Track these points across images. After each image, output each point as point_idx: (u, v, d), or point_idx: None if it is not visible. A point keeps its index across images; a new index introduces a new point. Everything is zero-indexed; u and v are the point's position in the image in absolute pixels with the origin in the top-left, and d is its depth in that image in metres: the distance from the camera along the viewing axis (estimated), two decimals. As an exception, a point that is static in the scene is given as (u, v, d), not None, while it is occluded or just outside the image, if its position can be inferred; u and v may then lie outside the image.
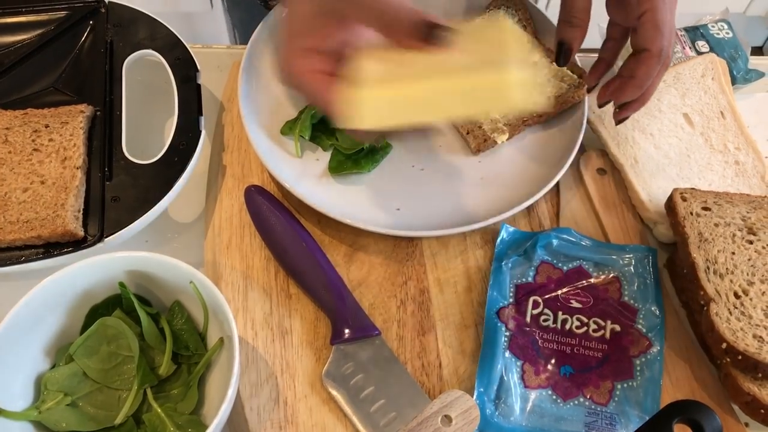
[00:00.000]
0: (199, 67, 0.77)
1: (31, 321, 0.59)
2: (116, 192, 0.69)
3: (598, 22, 0.92)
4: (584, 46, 1.00)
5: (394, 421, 0.62)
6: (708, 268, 0.66)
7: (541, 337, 0.67)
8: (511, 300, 0.68)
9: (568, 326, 0.67)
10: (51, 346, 0.62)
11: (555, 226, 0.75)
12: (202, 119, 0.74)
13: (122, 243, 0.68)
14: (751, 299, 0.64)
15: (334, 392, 0.63)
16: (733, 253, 0.66)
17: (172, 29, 0.79)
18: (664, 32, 0.64)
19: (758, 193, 0.75)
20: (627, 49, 0.86)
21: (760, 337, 0.61)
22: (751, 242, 0.67)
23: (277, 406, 0.63)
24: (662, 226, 0.73)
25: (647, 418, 0.61)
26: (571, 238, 0.72)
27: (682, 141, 0.78)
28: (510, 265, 0.70)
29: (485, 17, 0.85)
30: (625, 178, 0.76)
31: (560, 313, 0.68)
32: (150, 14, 0.81)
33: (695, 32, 0.88)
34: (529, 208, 0.76)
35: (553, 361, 0.65)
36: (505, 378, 0.64)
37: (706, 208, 0.69)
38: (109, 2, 0.81)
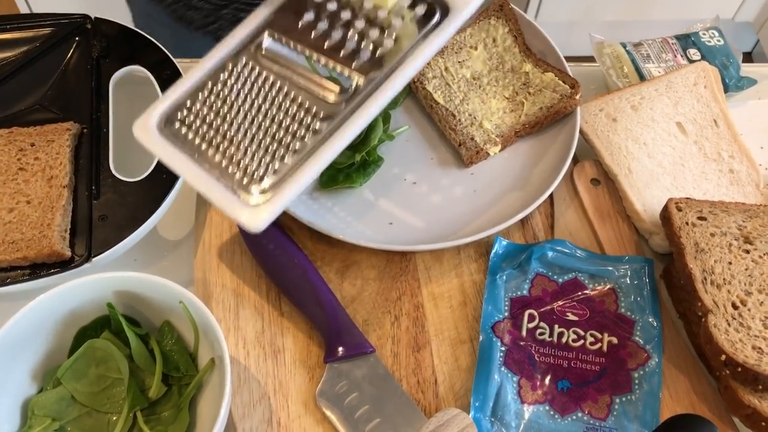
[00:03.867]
0: (187, 83, 0.76)
1: (17, 344, 0.58)
2: (104, 210, 0.68)
3: (589, 30, 0.92)
4: (575, 53, 1.00)
5: (390, 440, 0.61)
6: (705, 278, 0.65)
7: (538, 352, 0.66)
8: (506, 314, 0.68)
9: (564, 340, 0.66)
10: (38, 370, 0.60)
11: (549, 238, 0.74)
12: (191, 135, 0.73)
13: (110, 262, 0.67)
14: (749, 310, 0.63)
15: (328, 412, 0.62)
16: (730, 263, 0.66)
17: (159, 44, 0.79)
18: None
19: (753, 202, 0.75)
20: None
21: (760, 348, 0.61)
22: (747, 251, 0.67)
23: (271, 427, 0.62)
24: (658, 237, 0.73)
25: (647, 433, 0.60)
26: (565, 250, 0.71)
27: (675, 150, 0.78)
28: (505, 278, 0.69)
29: (476, 27, 0.84)
30: (620, 188, 0.76)
31: (556, 326, 0.67)
32: (137, 30, 0.80)
33: (686, 40, 0.88)
34: (523, 221, 0.75)
35: (549, 375, 0.65)
36: (502, 394, 0.63)
37: (701, 218, 0.69)
38: (95, 18, 0.80)
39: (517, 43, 0.83)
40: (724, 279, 0.65)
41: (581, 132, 0.78)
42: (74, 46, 0.79)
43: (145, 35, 0.79)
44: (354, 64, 0.59)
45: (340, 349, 0.64)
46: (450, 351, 0.67)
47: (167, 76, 0.76)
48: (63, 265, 0.65)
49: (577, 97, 0.77)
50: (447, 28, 0.59)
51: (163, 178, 0.69)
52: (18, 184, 0.68)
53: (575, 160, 0.79)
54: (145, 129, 0.59)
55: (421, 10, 0.60)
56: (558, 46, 0.83)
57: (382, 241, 0.69)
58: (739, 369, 0.60)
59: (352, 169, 0.74)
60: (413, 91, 0.82)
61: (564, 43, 0.86)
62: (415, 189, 0.75)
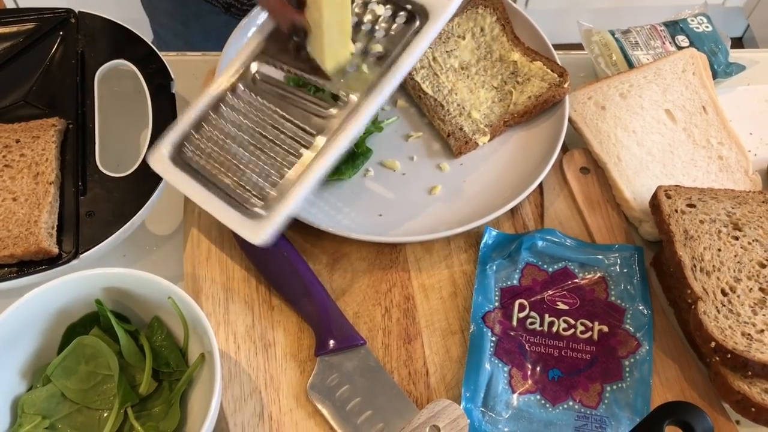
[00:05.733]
0: (173, 76, 0.75)
1: (5, 342, 0.58)
2: (91, 206, 0.67)
3: (577, 18, 0.92)
4: (564, 41, 0.99)
5: (382, 432, 0.61)
6: (694, 265, 0.65)
7: (528, 341, 0.66)
8: (496, 304, 0.68)
9: (555, 329, 0.66)
10: (27, 368, 0.60)
11: (539, 228, 0.74)
12: (178, 129, 0.72)
13: (99, 258, 0.66)
14: (738, 296, 0.63)
15: (319, 405, 0.62)
16: (719, 250, 0.66)
17: (144, 38, 0.78)
18: None
19: (742, 188, 0.75)
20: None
21: (749, 334, 0.61)
22: (736, 238, 0.67)
23: (262, 421, 0.62)
24: (647, 225, 0.73)
25: (638, 420, 0.61)
26: (555, 239, 0.71)
27: (664, 137, 0.77)
28: (495, 268, 0.69)
29: (463, 16, 0.84)
30: (609, 176, 0.75)
31: (547, 315, 0.67)
32: (122, 23, 0.79)
33: (675, 27, 0.87)
34: (513, 210, 0.75)
35: (540, 364, 0.65)
36: (492, 384, 0.63)
37: (690, 205, 0.69)
38: (79, 12, 0.79)
39: (505, 32, 0.83)
40: (713, 266, 0.65)
41: (570, 120, 0.78)
42: (58, 40, 0.78)
43: (131, 29, 0.78)
44: (342, 79, 0.63)
45: (331, 342, 0.64)
46: (441, 342, 0.67)
47: (153, 69, 0.75)
48: (50, 262, 0.65)
49: (566, 85, 0.77)
50: (428, 32, 0.63)
51: (150, 173, 0.69)
52: (4, 181, 0.68)
53: (564, 149, 0.79)
54: (159, 159, 0.65)
55: (401, 18, 0.64)
56: (546, 34, 0.82)
57: (371, 233, 0.69)
58: (729, 355, 0.60)
59: (340, 161, 0.73)
60: (401, 82, 0.81)
61: (552, 31, 0.86)
62: (404, 180, 0.75)
